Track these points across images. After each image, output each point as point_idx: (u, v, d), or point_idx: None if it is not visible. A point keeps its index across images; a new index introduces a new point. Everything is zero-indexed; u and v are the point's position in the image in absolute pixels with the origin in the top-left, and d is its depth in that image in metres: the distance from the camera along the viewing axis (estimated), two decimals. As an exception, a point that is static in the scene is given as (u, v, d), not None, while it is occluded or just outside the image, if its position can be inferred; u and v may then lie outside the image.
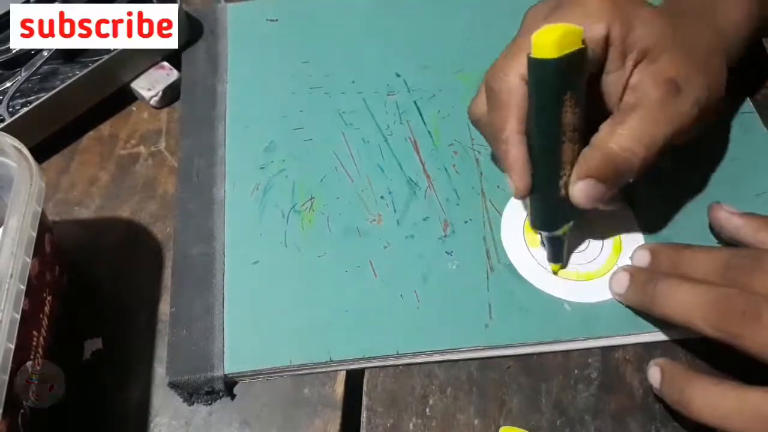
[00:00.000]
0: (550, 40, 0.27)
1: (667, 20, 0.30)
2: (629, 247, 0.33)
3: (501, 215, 0.35)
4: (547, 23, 0.28)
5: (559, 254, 0.33)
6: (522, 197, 0.31)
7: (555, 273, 0.33)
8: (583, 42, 0.28)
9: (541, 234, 0.33)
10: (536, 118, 0.29)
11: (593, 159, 0.29)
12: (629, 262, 0.33)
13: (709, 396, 0.27)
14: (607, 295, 0.32)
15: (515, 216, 0.35)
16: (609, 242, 0.34)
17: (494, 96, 0.31)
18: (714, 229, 0.33)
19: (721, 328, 0.27)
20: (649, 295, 0.30)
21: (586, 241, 0.34)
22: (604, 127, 0.30)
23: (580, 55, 0.28)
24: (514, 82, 0.30)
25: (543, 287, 0.32)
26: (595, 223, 0.34)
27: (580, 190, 0.30)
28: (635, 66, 0.30)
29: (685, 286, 0.28)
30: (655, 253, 0.32)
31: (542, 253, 0.33)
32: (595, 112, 0.30)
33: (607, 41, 0.29)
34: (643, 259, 0.32)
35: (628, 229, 0.34)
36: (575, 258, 0.33)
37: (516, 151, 0.30)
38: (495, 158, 0.36)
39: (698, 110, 0.30)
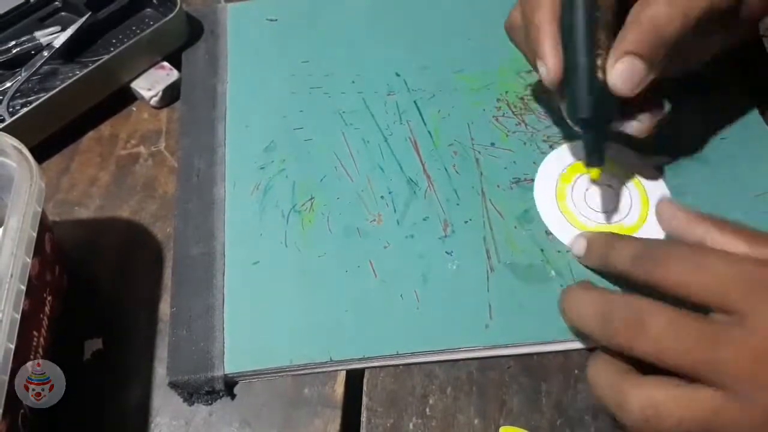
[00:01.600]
0: None
1: None
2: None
3: (502, 216, 0.35)
4: None
5: (597, 154, 0.32)
6: (554, 78, 0.31)
7: (594, 180, 0.34)
8: None
9: (579, 130, 0.32)
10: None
11: (630, 32, 0.29)
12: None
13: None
14: None
15: (551, 171, 0.36)
16: (637, 197, 0.35)
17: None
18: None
19: (611, 340, 0.26)
20: (561, 305, 0.30)
21: (615, 201, 0.35)
22: (637, 4, 0.30)
23: None
24: None
25: (566, 241, 0.33)
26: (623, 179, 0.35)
27: (618, 71, 0.29)
28: None
29: (581, 294, 0.29)
30: (589, 244, 0.32)
31: (578, 208, 0.34)
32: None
33: None
34: (579, 249, 0.32)
35: (654, 183, 0.35)
36: (604, 217, 0.34)
37: (546, 33, 0.30)
38: (528, 62, 0.35)
39: None
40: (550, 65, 0.31)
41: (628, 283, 0.29)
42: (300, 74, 0.41)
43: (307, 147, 0.38)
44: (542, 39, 0.31)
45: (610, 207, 0.34)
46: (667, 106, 0.33)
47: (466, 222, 0.34)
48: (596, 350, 0.28)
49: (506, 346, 0.31)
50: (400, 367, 0.31)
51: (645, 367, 0.26)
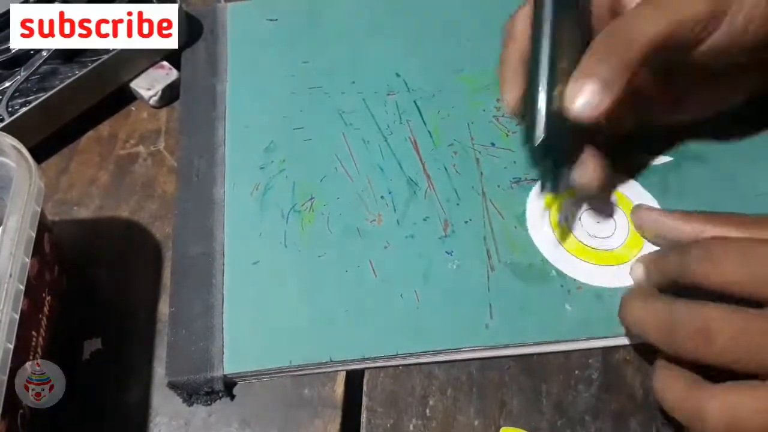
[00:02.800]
0: None
1: None
2: None
3: (502, 216, 0.34)
4: None
5: (550, 181, 0.32)
6: (511, 110, 0.32)
7: (547, 207, 0.33)
8: None
9: (534, 156, 0.32)
10: (536, 23, 0.30)
11: (596, 40, 0.28)
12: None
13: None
14: (623, 283, 0.32)
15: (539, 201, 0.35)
16: (623, 218, 0.34)
17: (506, 35, 0.32)
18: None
19: (678, 351, 0.26)
20: (621, 314, 0.29)
21: (599, 218, 0.34)
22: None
23: None
24: (522, 20, 0.31)
25: (559, 266, 0.33)
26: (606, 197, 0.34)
27: (572, 92, 0.28)
28: None
29: (641, 304, 0.28)
30: (646, 267, 0.31)
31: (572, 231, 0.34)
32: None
33: None
34: (638, 275, 0.31)
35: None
36: (591, 231, 0.34)
37: (509, 64, 0.31)
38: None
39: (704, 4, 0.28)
40: (507, 97, 0.32)
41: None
42: (300, 74, 0.41)
43: (307, 147, 0.38)
44: (504, 70, 0.32)
45: (604, 229, 0.34)
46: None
47: (466, 222, 0.34)
48: (658, 361, 0.27)
49: (506, 347, 0.31)
50: (400, 367, 0.31)
51: (715, 370, 0.25)
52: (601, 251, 0.33)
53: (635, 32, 0.28)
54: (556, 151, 0.31)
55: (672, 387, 0.26)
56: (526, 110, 0.31)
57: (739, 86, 0.34)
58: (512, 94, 0.31)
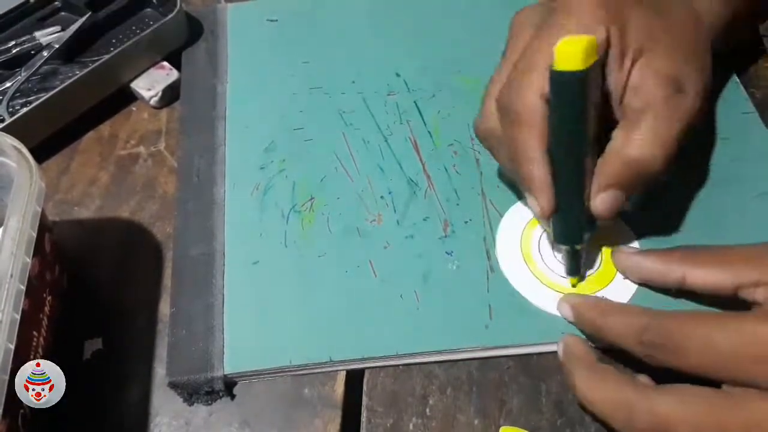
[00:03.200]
0: (576, 51, 0.26)
1: (653, 13, 0.30)
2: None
3: (501, 216, 0.35)
4: (543, 32, 0.29)
5: (578, 267, 0.32)
6: (548, 218, 0.30)
7: (574, 286, 0.32)
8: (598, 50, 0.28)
9: (560, 249, 0.32)
10: (562, 133, 0.28)
11: (614, 168, 0.29)
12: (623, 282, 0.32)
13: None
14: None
15: (512, 225, 0.34)
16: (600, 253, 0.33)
17: (513, 116, 0.29)
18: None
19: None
20: (572, 385, 0.28)
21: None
22: (619, 135, 0.29)
23: (598, 65, 0.28)
24: (534, 99, 0.29)
25: (536, 301, 0.32)
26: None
27: (603, 202, 0.29)
28: (632, 65, 0.29)
29: (595, 384, 0.27)
30: (576, 311, 0.30)
31: (540, 264, 0.33)
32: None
33: (607, 45, 0.29)
34: (567, 314, 0.31)
35: (623, 238, 0.33)
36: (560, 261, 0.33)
37: (542, 171, 0.29)
38: (506, 174, 0.35)
39: (701, 102, 0.30)
40: (545, 206, 0.30)
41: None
42: (300, 74, 0.41)
43: (307, 147, 0.38)
44: (537, 179, 0.29)
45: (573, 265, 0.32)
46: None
47: (466, 222, 0.34)
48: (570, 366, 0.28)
49: (506, 347, 0.31)
50: (400, 367, 0.31)
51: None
52: (560, 282, 0.32)
53: (652, 151, 0.29)
54: (580, 242, 0.31)
55: (600, 388, 0.27)
56: (555, 215, 0.30)
57: None
58: (547, 201, 0.29)
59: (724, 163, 0.36)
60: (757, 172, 0.35)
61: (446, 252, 0.34)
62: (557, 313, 0.31)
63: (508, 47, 0.33)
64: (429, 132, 0.38)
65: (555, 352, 0.31)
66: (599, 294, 0.32)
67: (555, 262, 0.33)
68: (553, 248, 0.33)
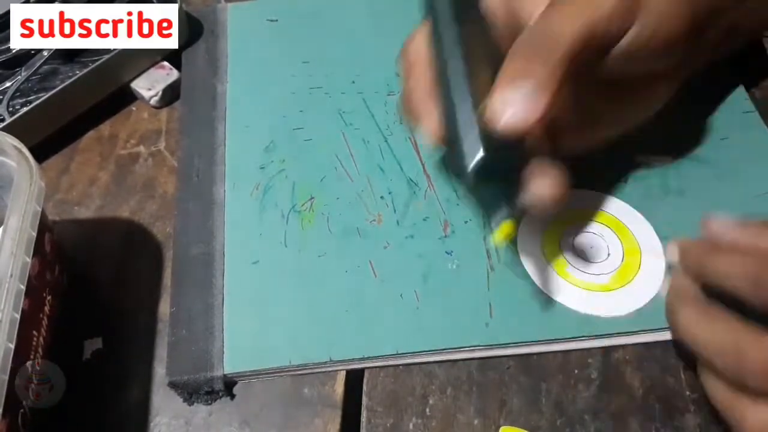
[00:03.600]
0: None
1: None
2: (648, 255, 0.33)
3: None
4: None
5: (496, 213, 0.28)
6: (436, 138, 0.28)
7: (497, 243, 0.32)
8: None
9: (475, 182, 0.27)
10: (436, 38, 0.28)
11: (516, 44, 0.26)
12: (654, 270, 0.32)
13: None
14: (623, 311, 0.31)
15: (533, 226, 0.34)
16: (618, 247, 0.33)
17: (402, 65, 0.31)
18: None
19: (744, 379, 0.25)
20: (674, 323, 0.28)
21: (593, 243, 0.33)
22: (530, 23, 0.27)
23: None
24: (419, 40, 0.31)
25: (556, 296, 0.32)
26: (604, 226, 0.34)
27: (497, 102, 0.25)
28: None
29: (704, 323, 0.26)
30: (683, 252, 0.29)
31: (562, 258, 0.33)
32: None
33: None
34: (673, 256, 0.29)
35: (646, 237, 0.33)
36: (582, 257, 0.33)
37: (420, 92, 0.29)
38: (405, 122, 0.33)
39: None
40: (426, 127, 0.28)
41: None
42: (300, 74, 0.41)
43: (307, 147, 0.38)
44: (413, 101, 0.29)
45: (597, 255, 0.33)
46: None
47: (466, 222, 0.34)
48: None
49: (506, 346, 0.31)
50: (400, 367, 0.31)
51: None
52: (589, 280, 0.32)
53: (558, 32, 0.25)
54: (498, 172, 0.27)
55: (719, 391, 0.26)
56: (450, 136, 0.27)
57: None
58: (430, 122, 0.28)
59: (724, 163, 0.36)
60: (757, 172, 0.35)
61: (446, 252, 0.34)
62: (573, 308, 0.31)
63: None
64: (429, 132, 0.38)
65: (555, 352, 0.31)
66: (621, 290, 0.32)
67: (576, 259, 0.33)
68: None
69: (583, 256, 0.33)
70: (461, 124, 0.26)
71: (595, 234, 0.34)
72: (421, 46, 0.30)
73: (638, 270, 0.32)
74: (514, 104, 0.24)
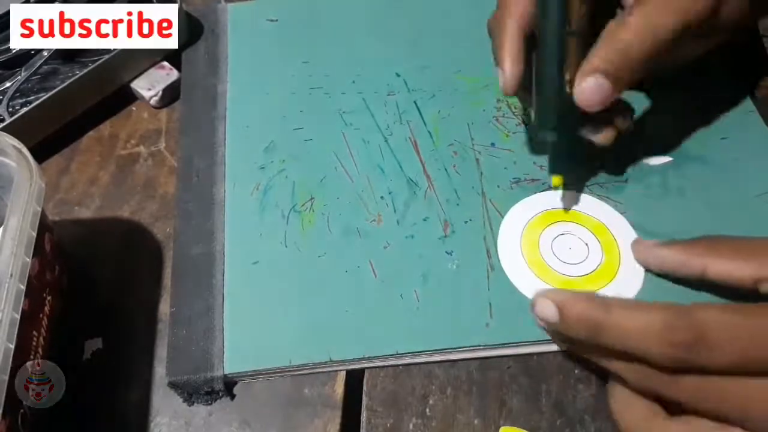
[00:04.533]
0: None
1: None
2: (628, 253, 0.33)
3: (501, 216, 0.35)
4: None
5: (559, 160, 0.33)
6: (509, 88, 0.31)
7: (555, 187, 0.34)
8: None
9: (544, 138, 0.32)
10: (545, 6, 0.30)
11: (600, 51, 0.29)
12: (630, 273, 0.32)
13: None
14: None
15: (513, 224, 0.34)
16: (596, 245, 0.33)
17: (500, 2, 0.32)
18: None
19: None
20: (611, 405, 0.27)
21: (571, 244, 0.33)
22: (613, 21, 0.30)
23: None
24: None
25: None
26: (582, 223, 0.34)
27: (584, 88, 0.29)
28: None
29: (629, 402, 0.26)
30: (567, 313, 0.26)
31: (543, 260, 0.33)
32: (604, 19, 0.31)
33: None
34: (551, 314, 0.27)
35: (623, 233, 0.33)
36: (563, 259, 0.33)
37: (508, 39, 0.31)
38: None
39: (703, 5, 0.30)
40: (507, 74, 0.31)
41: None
42: (300, 74, 0.41)
43: (307, 147, 0.38)
44: (503, 45, 0.31)
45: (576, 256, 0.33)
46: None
47: (466, 222, 0.34)
48: (613, 382, 0.27)
49: (506, 346, 0.31)
50: (400, 367, 0.31)
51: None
52: (572, 279, 0.32)
53: (643, 36, 0.29)
54: (564, 132, 0.32)
55: (630, 411, 0.26)
56: (536, 92, 0.31)
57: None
58: (511, 70, 0.31)
59: (724, 162, 0.36)
60: (757, 172, 0.35)
61: (446, 252, 0.34)
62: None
63: None
64: (429, 132, 0.38)
65: (555, 352, 0.31)
66: (601, 292, 0.32)
67: (557, 261, 0.33)
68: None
69: (562, 257, 0.33)
70: (547, 87, 0.31)
71: (573, 234, 0.34)
72: None
73: (618, 267, 0.32)
74: (594, 91, 0.29)
